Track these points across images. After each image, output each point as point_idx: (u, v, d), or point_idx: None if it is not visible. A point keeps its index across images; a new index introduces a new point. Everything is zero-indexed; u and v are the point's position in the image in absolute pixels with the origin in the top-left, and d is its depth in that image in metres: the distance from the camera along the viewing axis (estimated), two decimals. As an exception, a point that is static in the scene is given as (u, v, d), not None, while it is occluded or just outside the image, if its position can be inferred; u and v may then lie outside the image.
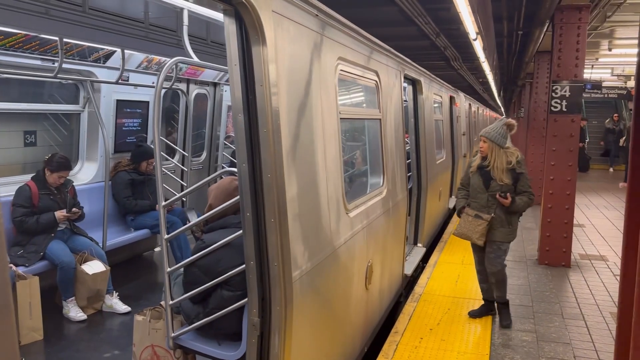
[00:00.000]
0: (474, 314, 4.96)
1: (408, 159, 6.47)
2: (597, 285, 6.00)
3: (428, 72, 8.23)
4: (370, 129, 5.14)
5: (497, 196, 4.54)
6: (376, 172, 5.01)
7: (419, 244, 7.18)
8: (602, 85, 18.95)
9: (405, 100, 7.33)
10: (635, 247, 1.84)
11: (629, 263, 1.91)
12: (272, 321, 2.68)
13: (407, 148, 6.28)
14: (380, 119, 4.82)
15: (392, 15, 7.66)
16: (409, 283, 6.16)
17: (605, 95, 19.63)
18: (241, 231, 2.72)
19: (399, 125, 5.51)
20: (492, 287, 4.86)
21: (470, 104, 17.32)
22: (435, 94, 8.72)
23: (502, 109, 52.31)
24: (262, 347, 2.72)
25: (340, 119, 3.66)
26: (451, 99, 11.26)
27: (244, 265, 2.72)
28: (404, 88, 7.12)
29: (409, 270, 6.06)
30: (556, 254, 6.68)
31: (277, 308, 2.66)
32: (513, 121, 4.69)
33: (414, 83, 7.00)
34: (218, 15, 4.84)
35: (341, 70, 3.71)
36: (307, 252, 2.95)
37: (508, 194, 4.52)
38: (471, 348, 4.27)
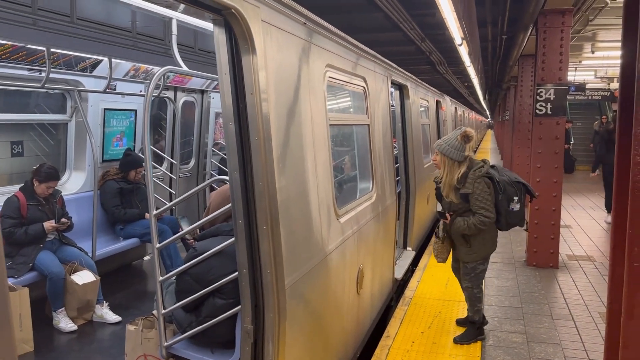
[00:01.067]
0: (459, 322, 4.82)
1: (396, 163, 6.52)
2: (585, 286, 6.08)
3: (414, 77, 8.30)
4: (359, 134, 5.18)
5: (442, 214, 4.31)
6: (365, 177, 5.05)
7: (409, 248, 7.22)
8: (586, 87, 19.26)
9: (393, 105, 7.39)
10: (622, 248, 1.88)
11: (617, 263, 1.95)
12: (265, 328, 2.69)
13: (395, 152, 6.33)
14: (368, 125, 4.86)
15: (379, 21, 7.74)
16: (400, 287, 6.20)
17: (589, 97, 19.93)
18: (233, 239, 2.73)
19: (386, 130, 5.56)
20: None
21: (456, 108, 17.49)
22: (422, 98, 8.80)
23: (488, 112, 52.78)
24: (256, 354, 2.73)
25: (330, 125, 3.69)
26: (437, 103, 11.36)
27: (236, 273, 2.73)
28: (391, 93, 7.18)
29: (399, 274, 6.10)
30: (544, 255, 6.76)
31: (271, 315, 2.67)
32: (470, 131, 4.19)
33: (401, 88, 7.06)
34: (206, 24, 4.86)
35: (329, 77, 3.74)
36: (299, 259, 2.97)
37: (447, 213, 4.24)
38: (463, 350, 4.31)
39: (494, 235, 4.32)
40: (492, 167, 4.26)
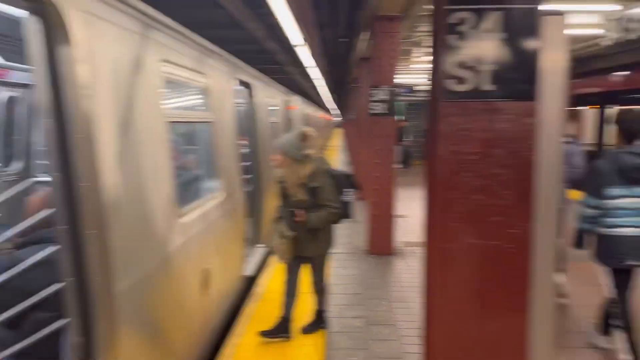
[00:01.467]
0: (265, 334, 4.55)
1: (246, 161, 6.53)
2: (418, 270, 6.68)
3: (262, 76, 8.39)
4: (203, 132, 5.08)
5: (292, 213, 4.28)
6: (210, 176, 4.97)
7: (260, 245, 7.29)
8: (417, 89, 21.22)
9: (240, 104, 7.38)
10: (431, 232, 2.10)
11: (427, 245, 2.17)
12: (96, 340, 2.51)
13: (244, 151, 6.33)
14: (212, 122, 4.79)
15: (224, 18, 7.67)
16: (250, 284, 6.22)
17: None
18: (57, 246, 2.50)
19: (232, 128, 5.53)
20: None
21: (305, 107, 18.05)
22: (270, 97, 8.92)
23: (336, 112, 55.25)
24: None
25: (168, 122, 3.57)
26: (286, 102, 11.62)
27: (62, 283, 2.51)
28: (238, 91, 7.16)
29: (249, 271, 6.12)
30: (382, 244, 7.29)
31: (102, 325, 2.50)
32: (309, 130, 4.28)
33: (248, 86, 7.08)
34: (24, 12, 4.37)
35: (167, 72, 3.61)
36: (134, 262, 2.83)
37: (296, 211, 4.22)
38: (310, 340, 4.46)
39: (334, 228, 4.51)
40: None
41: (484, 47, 1.93)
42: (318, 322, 4.69)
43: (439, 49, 1.96)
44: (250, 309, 5.24)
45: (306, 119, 17.88)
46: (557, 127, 1.94)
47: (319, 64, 9.48)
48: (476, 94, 1.94)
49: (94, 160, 2.47)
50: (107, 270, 2.52)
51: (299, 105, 15.74)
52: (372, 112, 6.92)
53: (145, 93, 3.19)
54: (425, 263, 2.14)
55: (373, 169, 7.16)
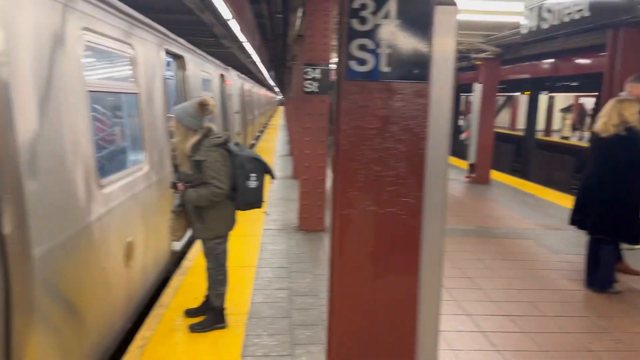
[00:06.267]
0: (190, 312, 4.43)
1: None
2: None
3: (196, 49, 8.28)
4: (127, 103, 5.03)
5: (174, 185, 4.09)
6: (135, 148, 4.95)
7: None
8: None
9: (171, 77, 7.29)
10: (335, 200, 2.28)
11: (333, 213, 2.34)
12: (14, 303, 2.53)
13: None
14: (137, 93, 4.75)
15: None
16: (180, 258, 6.25)
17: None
18: None
19: (160, 101, 5.49)
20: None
21: (243, 83, 17.88)
22: (204, 71, 8.83)
23: (278, 89, 54.91)
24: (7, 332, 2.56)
25: (89, 92, 3.54)
26: (222, 76, 11.50)
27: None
28: (169, 63, 7.07)
29: (177, 246, 6.15)
30: (312, 220, 7.49)
31: (17, 287, 2.53)
32: (209, 100, 4.01)
33: (179, 59, 7.00)
34: None
35: (88, 41, 3.57)
36: (51, 229, 2.85)
37: (179, 184, 4.02)
38: (233, 309, 4.59)
39: (231, 213, 4.19)
40: (236, 144, 4.21)
41: (382, 31, 2.09)
42: (211, 319, 4.26)
43: (343, 32, 2.11)
44: (177, 281, 5.30)
45: (245, 95, 17.75)
46: (447, 106, 2.15)
47: (249, 40, 9.42)
48: (375, 74, 2.11)
49: (10, 127, 2.47)
50: (23, 233, 2.54)
51: (238, 81, 15.60)
52: (305, 90, 7.04)
53: (66, 62, 3.16)
54: (331, 229, 2.32)
55: (303, 146, 7.32)
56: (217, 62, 11.45)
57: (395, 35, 2.09)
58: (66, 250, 3.04)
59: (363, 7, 2.06)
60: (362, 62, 2.11)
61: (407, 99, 2.14)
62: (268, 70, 24.67)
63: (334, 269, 2.31)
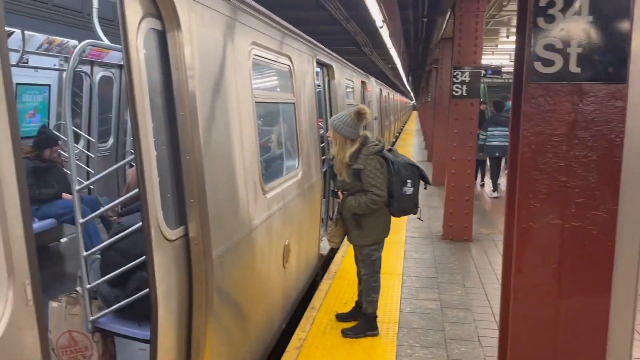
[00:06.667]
0: (341, 317, 4.49)
1: (323, 142, 6.69)
2: (495, 256, 6.58)
3: (340, 58, 8.47)
4: (285, 113, 5.28)
5: (335, 193, 4.18)
6: (291, 155, 5.17)
7: (334, 224, 7.45)
8: (502, 70, 20.37)
9: (319, 85, 7.52)
10: (512, 212, 2.13)
11: (509, 226, 2.20)
12: (193, 298, 2.77)
13: (321, 132, 6.49)
14: (294, 103, 4.97)
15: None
16: (326, 262, 6.41)
17: (506, 80, 21.13)
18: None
19: (312, 109, 5.69)
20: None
21: (381, 89, 17.93)
22: (347, 79, 9.00)
23: (412, 94, 54.26)
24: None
25: (255, 102, 3.77)
26: (363, 84, 11.63)
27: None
28: (317, 73, 7.30)
29: (324, 250, 6.31)
30: (458, 229, 7.22)
31: (198, 285, 2.75)
32: (364, 109, 4.03)
33: (327, 68, 7.20)
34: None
35: (255, 54, 3.80)
36: (225, 231, 3.06)
37: (340, 191, 4.08)
38: (383, 317, 4.57)
39: (386, 219, 4.17)
40: (389, 150, 4.19)
41: (572, 29, 1.92)
42: (363, 325, 4.25)
43: (525, 31, 1.97)
44: (325, 285, 5.42)
45: (382, 101, 17.79)
46: (649, 110, 1.91)
47: (395, 46, 9.40)
48: (562, 76, 1.94)
49: (195, 136, 2.69)
50: (205, 235, 2.75)
51: (376, 87, 15.69)
52: (454, 94, 6.83)
53: (238, 75, 3.40)
54: (505, 243, 2.18)
55: (450, 152, 7.09)
56: (358, 69, 11.61)
57: (587, 33, 1.91)
58: (236, 252, 3.25)
59: (551, 4, 1.90)
60: (548, 62, 1.95)
61: (600, 101, 1.93)
62: (406, 75, 24.47)
63: (511, 287, 2.16)
